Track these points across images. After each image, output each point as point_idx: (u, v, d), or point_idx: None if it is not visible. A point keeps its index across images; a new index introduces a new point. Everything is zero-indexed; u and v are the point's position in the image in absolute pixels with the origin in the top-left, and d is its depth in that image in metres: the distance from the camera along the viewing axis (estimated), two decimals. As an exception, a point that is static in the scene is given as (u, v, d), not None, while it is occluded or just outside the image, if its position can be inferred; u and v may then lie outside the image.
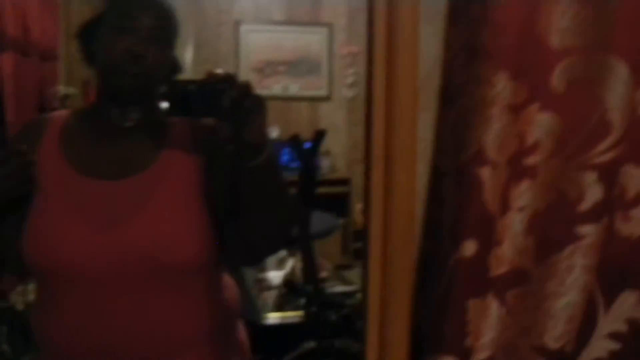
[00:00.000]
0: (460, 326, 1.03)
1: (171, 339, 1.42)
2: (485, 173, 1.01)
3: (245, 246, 1.40)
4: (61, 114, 1.52)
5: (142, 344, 1.40)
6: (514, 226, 1.04)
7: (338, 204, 6.09)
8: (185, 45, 5.86)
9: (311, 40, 6.40)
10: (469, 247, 1.02)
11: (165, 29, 1.41)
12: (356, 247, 6.65)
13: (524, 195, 1.04)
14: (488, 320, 1.05)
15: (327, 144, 5.99)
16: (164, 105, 1.44)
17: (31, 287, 2.92)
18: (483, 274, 1.04)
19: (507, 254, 1.04)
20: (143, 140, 1.44)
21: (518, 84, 1.01)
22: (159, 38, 1.38)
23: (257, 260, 1.98)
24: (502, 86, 1.00)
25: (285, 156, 5.83)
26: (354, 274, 5.79)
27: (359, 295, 3.71)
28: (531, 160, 1.03)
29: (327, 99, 6.49)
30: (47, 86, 4.41)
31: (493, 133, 1.00)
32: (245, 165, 1.25)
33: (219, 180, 1.40)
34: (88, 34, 1.45)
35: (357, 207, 6.65)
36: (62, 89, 4.51)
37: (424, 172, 1.08)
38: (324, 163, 6.12)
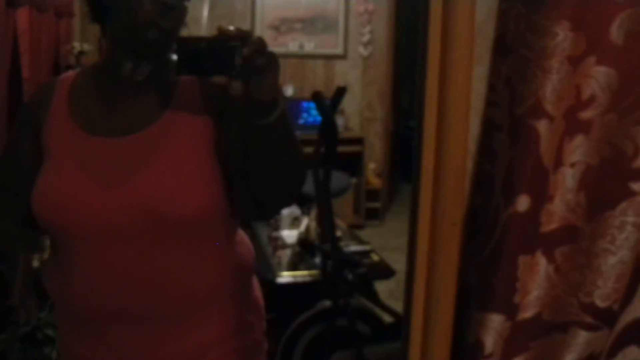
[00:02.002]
0: (510, 282, 1.02)
1: (185, 295, 1.42)
2: (542, 126, 0.98)
3: (255, 202, 1.39)
4: (69, 75, 1.53)
5: (155, 301, 1.39)
6: (565, 182, 1.02)
7: (351, 164, 6.09)
8: (200, 2, 5.80)
9: (327, -2, 6.34)
10: (523, 202, 1.00)
11: None
12: (368, 207, 6.68)
13: (577, 150, 1.01)
14: (536, 277, 1.04)
15: (341, 102, 5.96)
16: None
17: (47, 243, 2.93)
18: (534, 230, 1.02)
19: (558, 210, 1.03)
20: (150, 96, 1.43)
21: (578, 34, 0.98)
22: None
23: (267, 216, 1.98)
24: (562, 37, 0.97)
25: (304, 114, 5.83)
26: (366, 233, 5.82)
27: (373, 255, 3.71)
28: (586, 114, 1.01)
29: (342, 57, 6.45)
30: (63, 42, 4.39)
31: (551, 85, 0.98)
32: (257, 123, 1.23)
33: (230, 137, 1.39)
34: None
35: (370, 166, 6.65)
36: (77, 45, 4.49)
37: (476, 126, 1.06)
38: (338, 122, 6.10)
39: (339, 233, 3.94)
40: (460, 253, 1.05)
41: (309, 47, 6.31)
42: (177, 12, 1.36)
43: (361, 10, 6.34)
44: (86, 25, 4.84)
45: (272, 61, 1.16)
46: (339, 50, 6.41)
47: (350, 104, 6.39)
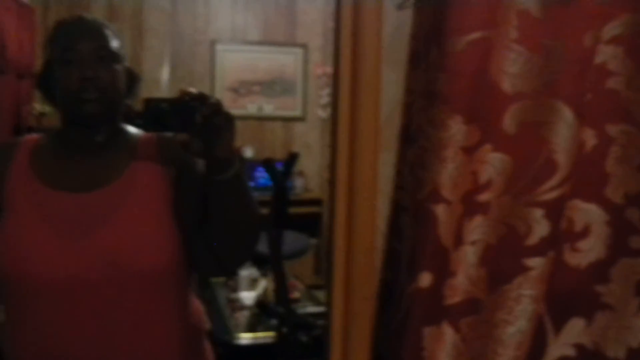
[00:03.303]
0: (416, 352, 1.10)
1: (139, 350, 1.47)
2: (439, 210, 1.08)
3: (212, 256, 1.46)
4: (32, 137, 1.59)
5: (110, 355, 1.44)
6: (467, 258, 1.11)
7: (311, 224, 6.13)
8: (161, 64, 5.91)
9: (286, 61, 6.48)
10: (425, 279, 1.09)
11: (109, 46, 1.47)
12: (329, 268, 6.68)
13: (476, 230, 1.11)
14: (443, 346, 1.12)
15: (301, 164, 6.05)
16: (137, 123, 1.52)
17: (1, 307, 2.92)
18: (438, 303, 1.11)
19: (461, 284, 1.11)
20: (111, 155, 1.51)
21: (471, 127, 1.09)
22: (105, 57, 1.45)
23: (225, 271, 2.03)
24: (456, 129, 1.08)
25: (259, 175, 5.89)
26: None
27: (330, 316, 3.74)
28: (484, 197, 1.11)
29: (301, 119, 6.55)
30: (24, 104, 4.42)
31: (447, 173, 1.08)
32: (214, 179, 1.33)
33: (188, 192, 1.47)
34: (45, 81, 1.51)
35: (330, 226, 6.69)
36: (37, 107, 4.51)
37: (385, 207, 1.15)
38: (297, 183, 6.19)
39: (297, 294, 3.99)
40: (374, 325, 1.13)
41: (268, 109, 6.41)
42: (101, 82, 1.43)
43: (319, 72, 6.48)
44: (49, 96, 4.89)
45: (228, 121, 1.27)
46: (297, 112, 6.52)
47: (309, 165, 6.48)
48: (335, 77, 1.11)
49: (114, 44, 1.48)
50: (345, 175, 1.07)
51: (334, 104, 1.10)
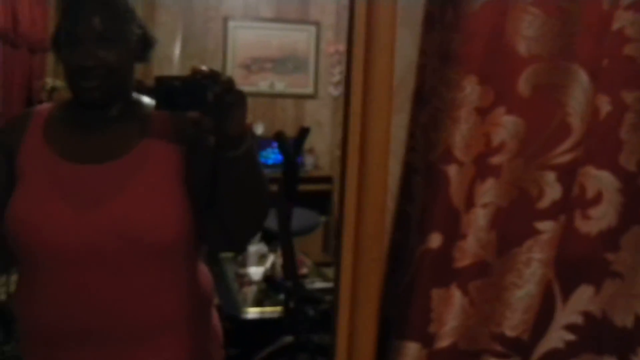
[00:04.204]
0: (424, 314, 1.10)
1: (149, 319, 1.49)
2: (451, 171, 1.08)
3: (222, 232, 1.47)
4: (46, 106, 1.59)
5: (120, 324, 1.46)
6: (477, 221, 1.11)
7: (321, 202, 6.15)
8: (173, 41, 5.90)
9: (298, 38, 6.46)
10: (435, 240, 1.09)
11: (116, 23, 1.44)
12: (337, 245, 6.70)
13: (488, 192, 1.11)
14: (451, 309, 1.12)
15: (312, 141, 6.05)
16: (149, 100, 1.52)
17: (13, 278, 2.96)
18: (447, 265, 1.11)
19: (470, 247, 1.11)
20: (124, 128, 1.51)
21: (485, 88, 1.08)
22: (110, 38, 1.42)
23: (235, 246, 2.05)
24: (470, 90, 1.07)
25: (271, 154, 5.89)
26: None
27: (338, 292, 3.76)
28: (496, 160, 1.10)
29: (312, 96, 6.54)
30: (35, 78, 4.44)
31: (460, 134, 1.07)
32: (225, 156, 1.33)
33: (199, 169, 1.48)
34: (57, 47, 1.50)
35: (340, 205, 6.70)
36: (49, 81, 4.53)
37: (397, 169, 1.15)
38: (308, 160, 6.19)
39: (305, 270, 4.01)
40: (383, 287, 1.13)
41: (280, 86, 6.41)
42: (103, 68, 1.41)
43: (332, 50, 6.47)
44: (59, 61, 4.91)
45: (240, 99, 1.27)
46: (309, 90, 6.52)
47: (320, 143, 6.48)
48: (350, 37, 1.11)
49: (121, 20, 1.45)
50: (358, 136, 1.07)
51: (347, 65, 1.09)
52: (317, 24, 6.45)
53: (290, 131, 4.34)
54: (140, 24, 1.50)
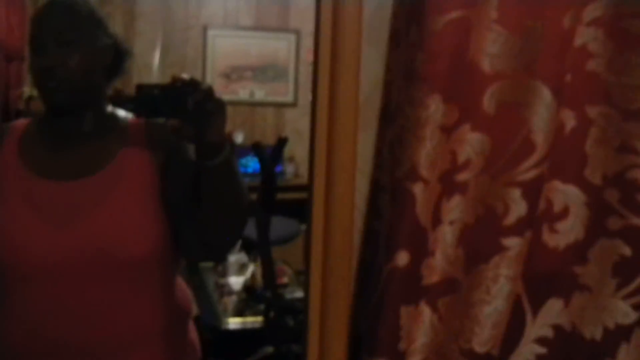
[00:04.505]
0: (393, 331, 1.11)
1: (124, 333, 1.48)
2: (417, 189, 1.08)
3: (201, 241, 1.47)
4: (21, 122, 1.58)
5: (95, 338, 1.45)
6: (445, 238, 1.12)
7: (301, 210, 6.11)
8: (153, 49, 5.88)
9: (278, 46, 6.45)
10: (402, 257, 1.09)
11: (79, 27, 1.43)
12: (319, 253, 6.69)
13: (454, 209, 1.11)
14: (420, 326, 1.12)
15: (292, 150, 6.05)
16: (128, 108, 1.51)
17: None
18: (416, 283, 1.11)
19: (438, 264, 1.12)
20: (99, 142, 1.50)
21: (450, 106, 1.09)
22: (70, 42, 1.41)
23: (212, 255, 2.05)
24: (434, 108, 1.08)
25: (250, 162, 5.88)
26: (316, 279, 5.84)
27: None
28: (462, 177, 1.11)
29: (293, 105, 6.54)
30: (13, 87, 4.40)
31: (425, 152, 1.08)
32: (205, 165, 1.33)
33: (177, 179, 1.48)
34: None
35: (321, 212, 6.70)
36: (27, 90, 4.49)
37: (365, 187, 1.15)
38: (288, 169, 6.19)
39: (285, 279, 4.00)
40: (353, 304, 1.14)
41: (260, 94, 6.40)
42: (63, 70, 1.40)
43: (312, 58, 6.46)
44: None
45: (220, 107, 1.28)
46: (289, 98, 6.51)
47: (300, 151, 6.46)
48: (315, 55, 1.11)
49: (84, 24, 1.44)
50: (324, 155, 1.07)
51: (314, 83, 1.09)
52: (297, 32, 6.45)
53: (271, 139, 4.35)
54: (110, 34, 1.49)
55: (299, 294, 3.86)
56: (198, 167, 1.36)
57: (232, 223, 1.47)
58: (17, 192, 1.46)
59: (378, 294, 1.11)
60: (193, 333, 1.73)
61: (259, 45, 6.38)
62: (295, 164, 6.42)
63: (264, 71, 6.42)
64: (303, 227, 6.15)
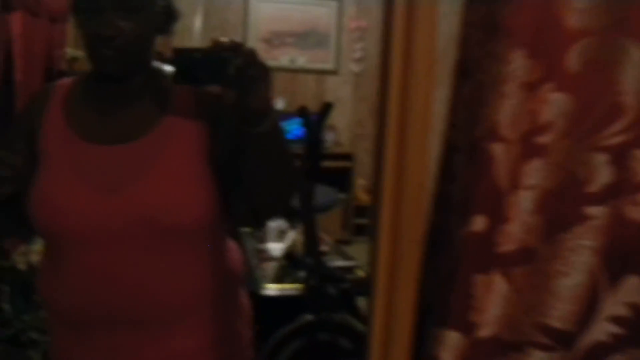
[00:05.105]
0: (465, 300, 1.05)
1: (175, 301, 1.45)
2: (497, 149, 1.02)
3: (248, 209, 1.43)
4: (65, 82, 1.54)
5: (145, 307, 1.42)
6: (523, 204, 1.05)
7: (340, 179, 6.11)
8: (194, 13, 5.84)
9: (320, 13, 6.38)
10: (478, 222, 1.03)
11: None
12: (357, 223, 6.69)
13: (534, 173, 1.04)
14: (493, 296, 1.06)
15: (332, 118, 6.00)
16: (169, 70, 1.46)
17: (34, 247, 2.95)
18: (490, 250, 1.05)
19: (515, 231, 1.05)
20: (145, 104, 1.46)
21: (534, 62, 1.02)
22: (131, 7, 1.35)
23: (260, 223, 2.03)
24: (517, 64, 1.01)
25: (293, 128, 5.84)
26: (354, 249, 5.83)
27: (358, 271, 3.72)
28: (543, 139, 1.04)
29: (333, 72, 6.49)
30: (56, 48, 4.40)
31: (506, 110, 1.01)
32: (249, 132, 1.28)
33: (224, 146, 1.43)
34: (76, 11, 1.43)
35: (360, 182, 6.68)
36: (70, 51, 4.50)
37: (436, 147, 1.09)
38: (328, 137, 6.15)
39: (325, 248, 3.97)
40: (421, 270, 1.08)
41: (301, 61, 6.35)
42: (122, 39, 1.35)
43: (353, 26, 6.39)
44: (78, 28, 4.86)
45: (263, 72, 1.22)
46: (330, 65, 6.46)
47: (341, 119, 6.42)
48: (387, 7, 1.04)
49: None
50: (397, 111, 1.01)
51: (385, 35, 1.03)
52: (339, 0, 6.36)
53: (311, 107, 4.29)
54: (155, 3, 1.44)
55: (338, 262, 3.82)
56: (243, 135, 1.31)
57: (280, 190, 1.43)
58: (63, 156, 1.43)
59: (450, 260, 1.05)
60: (245, 298, 1.70)
61: (301, 11, 6.32)
62: (335, 132, 6.38)
63: (306, 37, 6.36)
64: (342, 196, 6.13)
